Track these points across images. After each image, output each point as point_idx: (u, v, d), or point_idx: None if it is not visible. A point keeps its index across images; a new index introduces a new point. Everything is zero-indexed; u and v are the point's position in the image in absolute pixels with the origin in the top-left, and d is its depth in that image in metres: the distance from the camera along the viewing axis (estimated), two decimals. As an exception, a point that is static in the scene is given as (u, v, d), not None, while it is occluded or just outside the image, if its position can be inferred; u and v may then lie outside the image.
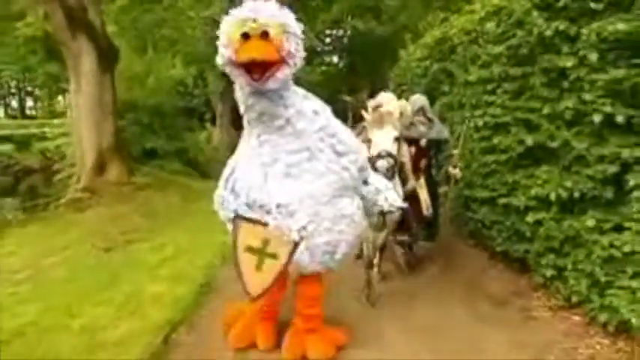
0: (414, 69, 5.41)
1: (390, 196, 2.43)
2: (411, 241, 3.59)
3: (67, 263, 3.94)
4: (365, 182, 2.34)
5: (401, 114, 2.96)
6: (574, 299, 2.65)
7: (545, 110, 2.86)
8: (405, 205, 2.60)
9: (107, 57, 6.32)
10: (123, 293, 3.21)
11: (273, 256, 2.10)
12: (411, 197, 3.25)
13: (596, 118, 2.29)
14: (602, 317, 2.39)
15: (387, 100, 2.99)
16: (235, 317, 2.61)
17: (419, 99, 3.59)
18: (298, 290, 2.41)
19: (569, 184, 2.60)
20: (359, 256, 3.38)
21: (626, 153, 2.21)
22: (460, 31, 4.25)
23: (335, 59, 21.24)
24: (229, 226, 2.25)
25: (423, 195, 3.44)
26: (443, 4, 6.69)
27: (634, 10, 2.18)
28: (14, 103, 25.25)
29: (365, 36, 12.88)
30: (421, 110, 3.48)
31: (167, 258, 3.92)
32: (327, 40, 19.11)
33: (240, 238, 2.13)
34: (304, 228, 2.06)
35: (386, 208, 2.40)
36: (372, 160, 2.66)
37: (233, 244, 2.17)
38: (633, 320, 2.16)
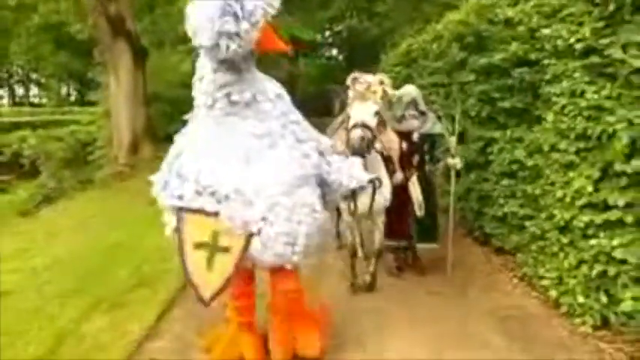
0: (389, 72, 7.12)
1: (354, 172, 2.35)
2: (407, 245, 3.53)
3: (133, 212, 5.69)
4: (327, 164, 2.29)
5: (385, 93, 2.89)
6: (467, 225, 4.43)
7: (458, 108, 4.59)
8: (374, 176, 2.49)
9: (140, 56, 8.03)
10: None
11: (226, 249, 1.96)
12: (403, 196, 3.23)
13: (472, 113, 4.03)
14: (478, 234, 4.17)
15: (371, 80, 2.93)
16: (215, 339, 2.54)
17: (410, 91, 3.45)
18: (271, 286, 2.29)
19: (466, 155, 4.33)
20: (341, 247, 3.53)
21: (487, 135, 3.95)
22: (418, 47, 5.96)
23: (335, 52, 22.84)
24: (168, 215, 2.12)
25: (416, 193, 3.33)
26: (420, 14, 8.35)
27: (496, 50, 3.88)
28: (20, 91, 26.98)
29: (361, 33, 14.53)
30: (412, 103, 3.37)
31: (201, 210, 5.69)
32: (327, 33, 20.72)
33: (186, 233, 1.98)
34: (263, 219, 1.96)
35: (352, 185, 2.32)
36: (348, 132, 2.72)
37: (178, 241, 2.00)
38: (489, 232, 3.93)
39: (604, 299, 2.51)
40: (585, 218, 2.58)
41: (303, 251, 2.07)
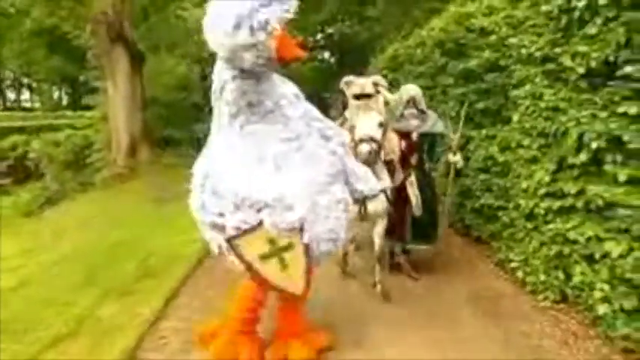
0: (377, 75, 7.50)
1: (369, 179, 2.41)
2: (401, 245, 3.56)
3: (134, 211, 5.99)
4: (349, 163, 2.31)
5: (387, 103, 3.00)
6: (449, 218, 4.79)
7: (440, 109, 4.97)
8: (386, 185, 2.57)
9: (137, 62, 8.33)
10: (185, 221, 5.26)
11: (288, 246, 2.04)
12: (400, 196, 3.25)
13: (452, 114, 4.40)
14: (459, 226, 4.54)
15: (364, 82, 3.03)
16: (211, 333, 2.59)
17: (409, 89, 3.45)
18: (279, 294, 2.39)
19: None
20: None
21: (466, 134, 4.32)
22: (404, 52, 6.34)
23: (326, 55, 23.22)
24: (208, 232, 2.17)
25: (413, 193, 3.33)
26: (409, 20, 8.74)
27: (472, 56, 4.26)
28: (11, 96, 26.97)
29: (352, 37, 14.93)
30: (412, 102, 3.35)
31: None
32: (319, 36, 21.11)
33: (246, 254, 2.06)
34: (305, 220, 2.01)
35: (366, 191, 2.37)
36: (355, 145, 2.71)
37: (244, 264, 2.08)
38: (468, 223, 4.30)
39: (561, 276, 2.88)
40: (545, 205, 2.95)
41: (343, 243, 2.22)
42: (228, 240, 2.05)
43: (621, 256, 2.32)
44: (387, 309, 3.17)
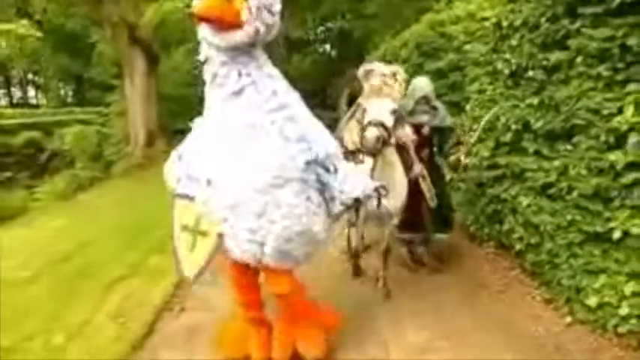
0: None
1: (359, 180, 2.28)
2: (425, 237, 3.71)
3: (154, 194, 6.98)
4: (328, 172, 2.21)
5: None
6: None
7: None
8: (379, 184, 2.37)
9: (153, 61, 9.34)
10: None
11: (204, 233, 2.11)
12: (414, 188, 3.27)
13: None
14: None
15: (385, 73, 2.88)
16: (225, 332, 2.66)
17: (421, 86, 3.53)
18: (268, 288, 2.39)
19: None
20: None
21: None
22: (392, 51, 7.32)
23: (327, 48, 24.15)
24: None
25: (427, 186, 3.40)
26: (401, 19, 9.68)
27: (441, 58, 5.24)
28: (18, 93, 28.06)
29: (350, 33, 15.88)
30: (424, 99, 3.49)
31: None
32: (320, 30, 22.03)
33: (176, 216, 2.19)
34: (231, 208, 2.02)
35: (355, 194, 2.23)
36: (363, 129, 2.59)
37: (173, 224, 2.22)
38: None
39: (498, 228, 3.90)
40: (487, 175, 3.97)
41: (275, 253, 2.07)
42: (174, 195, 2.27)
43: (528, 206, 3.33)
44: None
